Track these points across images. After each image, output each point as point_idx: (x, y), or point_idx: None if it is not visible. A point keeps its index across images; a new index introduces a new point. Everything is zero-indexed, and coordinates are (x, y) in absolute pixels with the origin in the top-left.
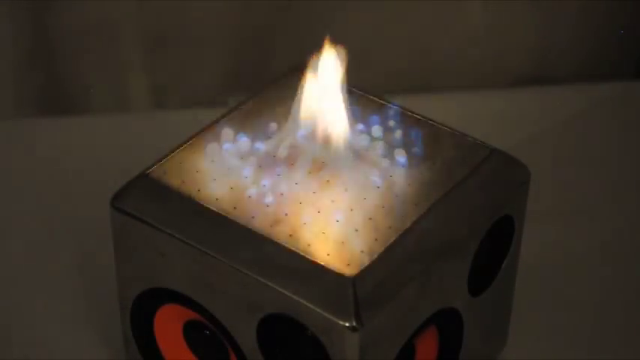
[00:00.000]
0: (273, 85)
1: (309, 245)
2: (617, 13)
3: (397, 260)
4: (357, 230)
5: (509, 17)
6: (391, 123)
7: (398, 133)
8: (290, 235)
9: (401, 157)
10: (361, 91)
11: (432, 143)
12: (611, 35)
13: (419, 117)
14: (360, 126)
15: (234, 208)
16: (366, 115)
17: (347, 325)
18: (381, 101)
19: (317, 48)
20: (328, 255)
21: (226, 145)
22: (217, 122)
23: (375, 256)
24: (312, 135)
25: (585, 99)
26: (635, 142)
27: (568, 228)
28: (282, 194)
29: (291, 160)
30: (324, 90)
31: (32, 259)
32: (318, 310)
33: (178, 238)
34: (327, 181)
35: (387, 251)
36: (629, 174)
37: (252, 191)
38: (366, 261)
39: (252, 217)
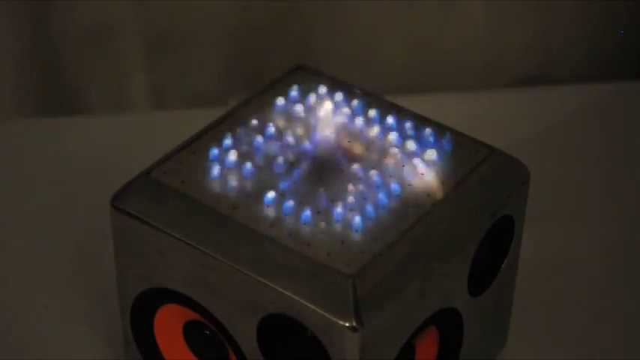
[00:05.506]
0: (273, 85)
1: (309, 245)
2: (617, 13)
3: (397, 260)
4: (357, 230)
5: (509, 17)
6: (391, 123)
7: (398, 133)
8: (290, 235)
9: (401, 157)
10: (361, 90)
11: (433, 143)
12: (611, 35)
13: (419, 117)
14: (360, 126)
15: (234, 208)
16: (366, 115)
17: (347, 325)
18: (381, 101)
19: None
20: (328, 255)
21: (226, 145)
22: (217, 122)
23: (375, 256)
24: (312, 135)
25: (585, 99)
26: (635, 142)
27: (568, 228)
28: (282, 194)
29: (290, 160)
30: (323, 91)
31: (32, 259)
32: (318, 310)
33: (178, 238)
34: (327, 181)
35: (387, 251)
36: (629, 174)
37: (253, 191)
38: (366, 261)
39: (252, 217)
